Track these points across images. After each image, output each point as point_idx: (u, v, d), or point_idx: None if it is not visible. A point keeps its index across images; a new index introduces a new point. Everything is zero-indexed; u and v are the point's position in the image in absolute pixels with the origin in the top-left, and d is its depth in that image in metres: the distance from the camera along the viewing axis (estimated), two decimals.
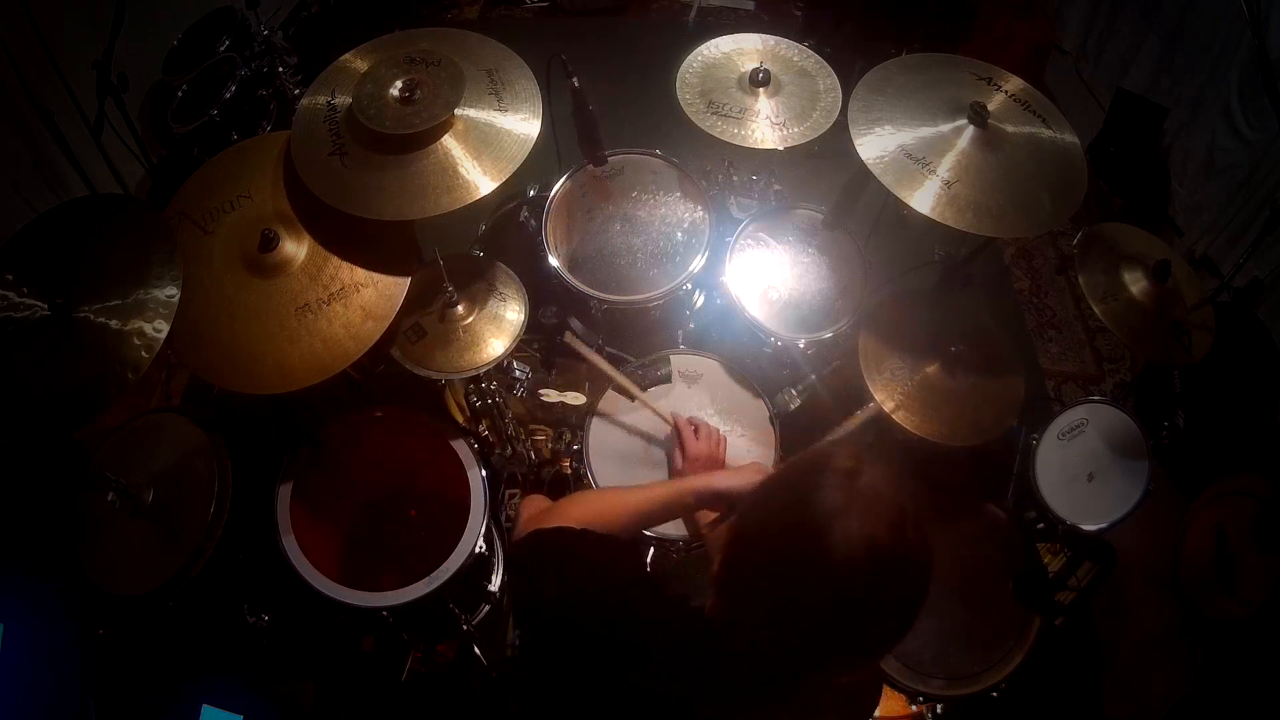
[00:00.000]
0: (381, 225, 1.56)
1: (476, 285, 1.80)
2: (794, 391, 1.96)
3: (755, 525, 0.85)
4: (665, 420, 1.68)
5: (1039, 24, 3.54)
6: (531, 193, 2.11)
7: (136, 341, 1.36)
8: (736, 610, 0.86)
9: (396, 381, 1.86)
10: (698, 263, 1.89)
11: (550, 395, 1.97)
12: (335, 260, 1.60)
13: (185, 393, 2.61)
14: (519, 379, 1.95)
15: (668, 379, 1.88)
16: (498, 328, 1.76)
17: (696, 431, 1.59)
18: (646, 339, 2.03)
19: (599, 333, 2.03)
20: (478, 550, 1.73)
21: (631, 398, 1.76)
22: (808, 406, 1.97)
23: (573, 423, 2.00)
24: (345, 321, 1.56)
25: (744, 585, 0.85)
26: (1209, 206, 2.83)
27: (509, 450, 2.01)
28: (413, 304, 1.67)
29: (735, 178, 2.25)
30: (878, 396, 1.72)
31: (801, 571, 0.78)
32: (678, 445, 1.58)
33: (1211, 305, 1.82)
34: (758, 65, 1.88)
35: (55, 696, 1.60)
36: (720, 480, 1.29)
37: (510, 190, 2.02)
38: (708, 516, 1.38)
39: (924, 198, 1.58)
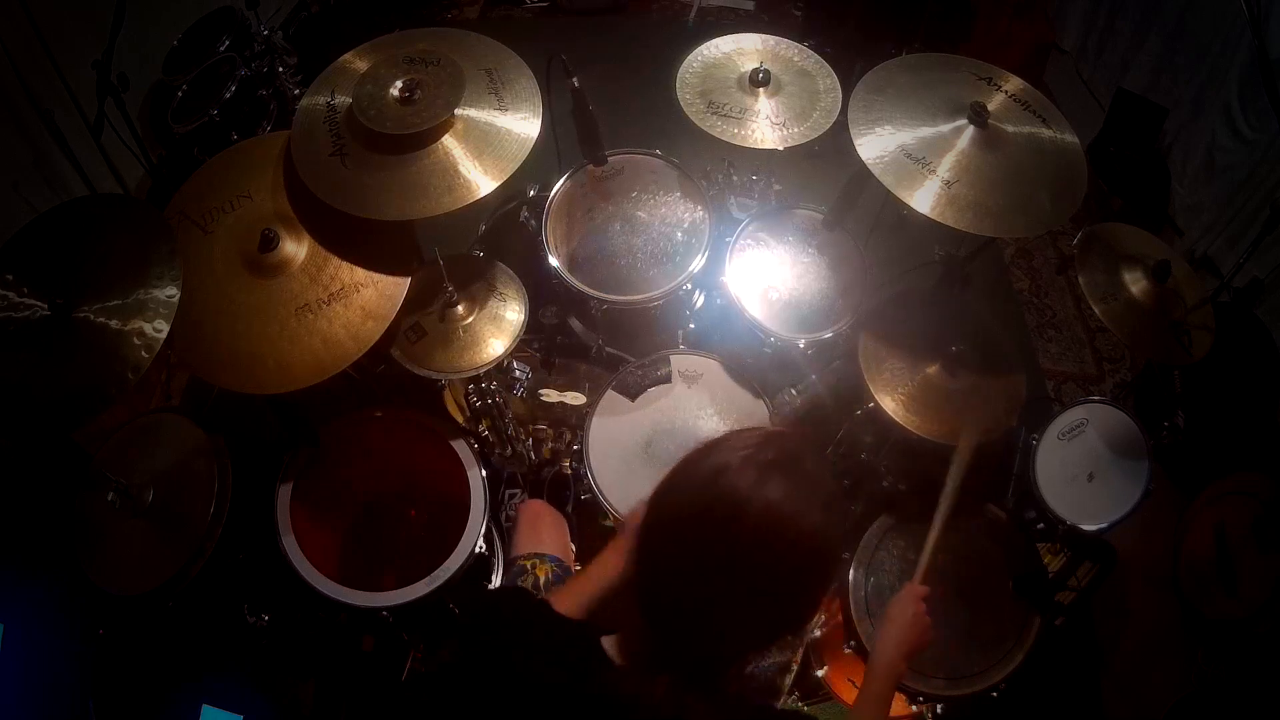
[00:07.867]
0: (381, 225, 1.56)
1: (476, 285, 1.80)
2: (794, 391, 1.96)
3: (668, 494, 0.89)
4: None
5: (1039, 24, 3.55)
6: (531, 193, 2.11)
7: (136, 341, 1.36)
8: (651, 579, 0.88)
9: (396, 381, 1.86)
10: (698, 263, 1.89)
11: (550, 395, 1.97)
12: (335, 260, 1.60)
13: (185, 393, 2.61)
14: (519, 379, 1.95)
15: (668, 379, 1.88)
16: (498, 328, 1.76)
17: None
18: (646, 339, 2.03)
19: (599, 333, 2.03)
20: (478, 550, 1.73)
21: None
22: (808, 406, 1.97)
23: (573, 423, 2.00)
24: (345, 321, 1.57)
25: (655, 554, 0.87)
26: (1209, 206, 2.82)
27: (509, 450, 2.00)
28: (413, 304, 1.67)
29: (735, 178, 2.25)
30: (878, 396, 1.72)
31: (709, 532, 0.82)
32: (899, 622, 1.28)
33: (1211, 305, 1.81)
34: (758, 65, 1.88)
35: (55, 696, 1.60)
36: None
37: (510, 190, 2.02)
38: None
39: (924, 198, 1.58)
